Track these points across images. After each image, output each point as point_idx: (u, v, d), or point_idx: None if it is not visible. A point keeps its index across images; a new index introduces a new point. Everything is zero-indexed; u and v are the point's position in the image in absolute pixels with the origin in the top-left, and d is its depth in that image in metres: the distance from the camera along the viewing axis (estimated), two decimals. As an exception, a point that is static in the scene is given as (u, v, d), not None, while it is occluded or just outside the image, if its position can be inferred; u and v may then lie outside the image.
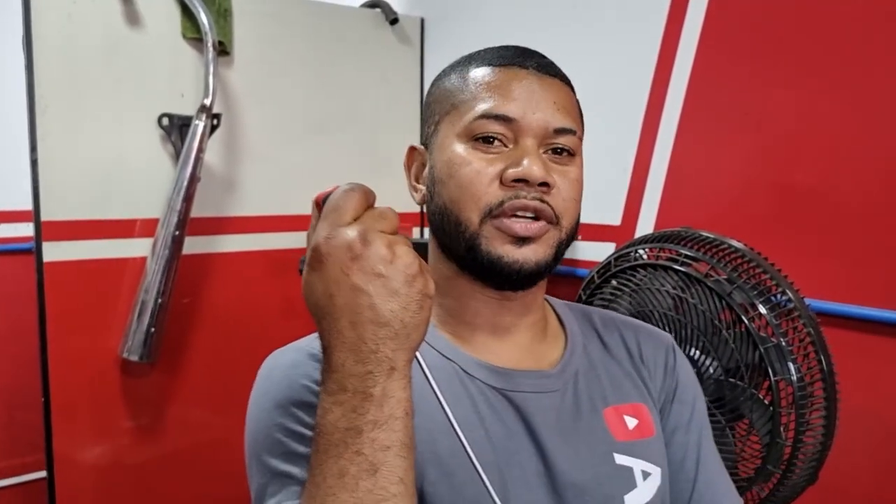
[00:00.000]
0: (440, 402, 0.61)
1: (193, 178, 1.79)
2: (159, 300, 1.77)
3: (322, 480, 0.52)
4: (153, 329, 1.77)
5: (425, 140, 0.77)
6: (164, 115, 1.83)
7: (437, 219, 0.74)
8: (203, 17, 1.81)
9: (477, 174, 0.69)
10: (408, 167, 0.79)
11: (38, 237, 1.70)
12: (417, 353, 0.58)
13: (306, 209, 0.62)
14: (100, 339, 1.81)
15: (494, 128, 0.69)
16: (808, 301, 1.10)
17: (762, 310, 1.06)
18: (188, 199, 1.80)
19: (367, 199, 0.57)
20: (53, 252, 1.72)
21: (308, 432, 0.64)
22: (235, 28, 1.95)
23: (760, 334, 1.05)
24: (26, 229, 2.13)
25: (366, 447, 0.52)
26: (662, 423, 0.80)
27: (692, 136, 1.66)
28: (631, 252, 1.29)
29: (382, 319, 0.53)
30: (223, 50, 1.90)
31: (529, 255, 0.70)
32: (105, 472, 1.83)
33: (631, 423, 0.77)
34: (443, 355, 0.74)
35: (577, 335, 0.82)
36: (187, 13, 1.84)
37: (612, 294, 1.35)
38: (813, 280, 1.34)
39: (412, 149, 0.78)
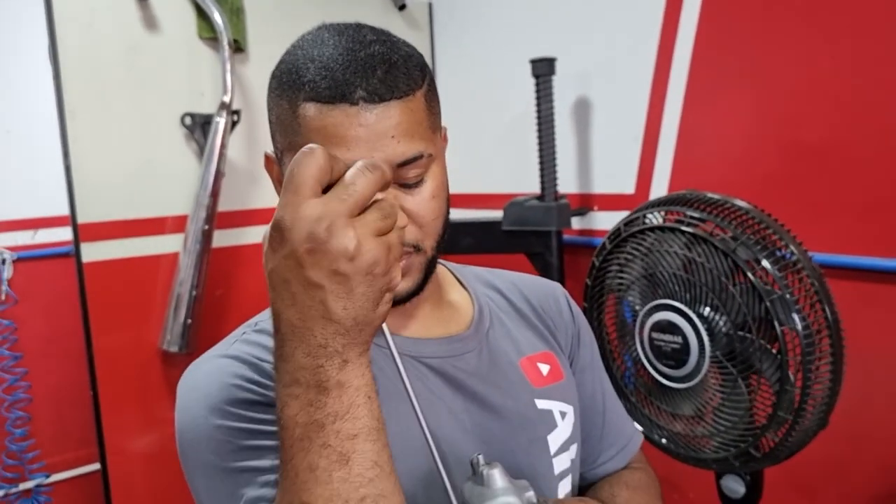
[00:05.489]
0: (406, 388, 0.59)
1: (218, 174, 1.87)
2: (193, 292, 1.86)
3: (294, 476, 0.52)
4: (189, 320, 1.86)
5: (278, 155, 0.72)
6: (186, 114, 1.91)
7: None
8: (217, 17, 1.88)
9: None
10: (269, 172, 0.75)
11: (77, 239, 1.79)
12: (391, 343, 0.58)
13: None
14: (140, 334, 1.90)
15: None
16: (813, 255, 1.13)
17: (766, 264, 1.10)
18: (214, 194, 1.87)
19: (330, 165, 0.51)
20: (91, 252, 1.81)
21: (253, 426, 0.63)
22: (248, 24, 2.01)
23: (766, 287, 1.09)
24: (64, 233, 2.24)
25: (332, 439, 0.51)
26: (572, 366, 0.89)
27: (700, 99, 1.69)
28: (640, 217, 1.33)
29: (333, 317, 0.51)
30: (238, 47, 1.97)
31: (400, 289, 0.66)
32: (155, 459, 1.93)
33: (544, 369, 0.83)
34: None
35: (483, 296, 0.85)
36: (202, 14, 1.90)
37: (625, 259, 1.39)
38: (819, 234, 1.37)
39: (268, 158, 0.74)
